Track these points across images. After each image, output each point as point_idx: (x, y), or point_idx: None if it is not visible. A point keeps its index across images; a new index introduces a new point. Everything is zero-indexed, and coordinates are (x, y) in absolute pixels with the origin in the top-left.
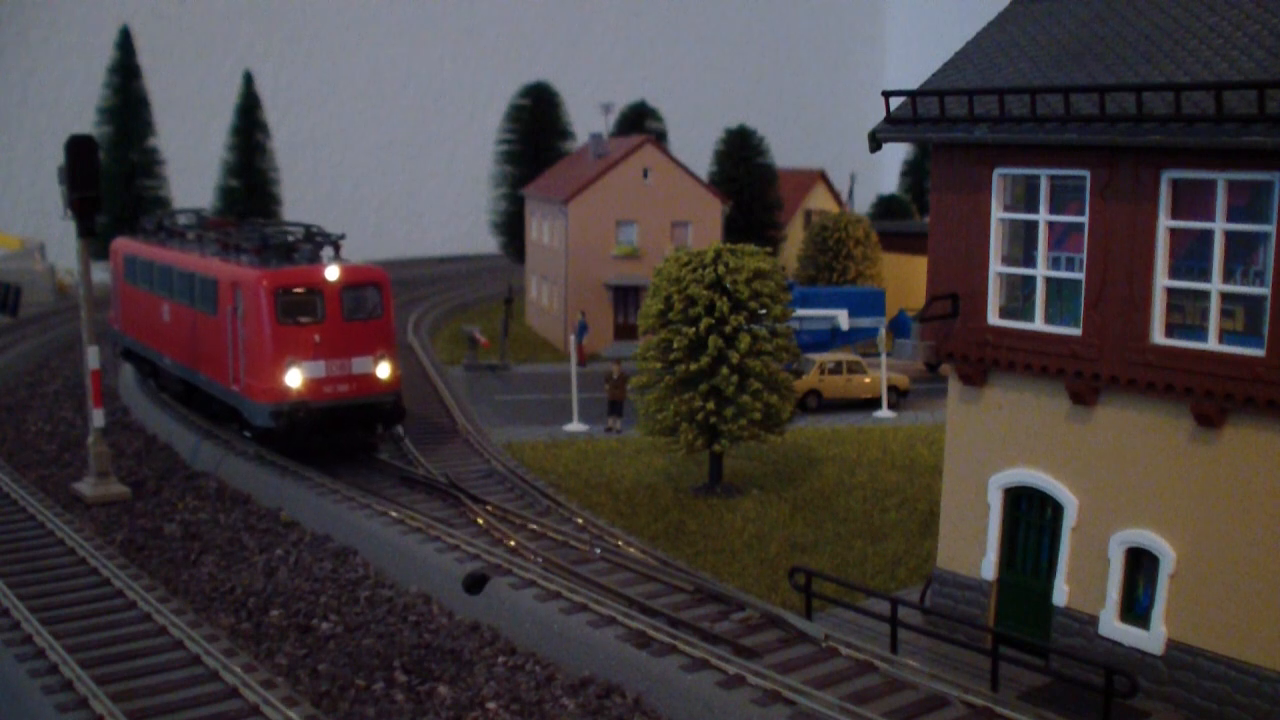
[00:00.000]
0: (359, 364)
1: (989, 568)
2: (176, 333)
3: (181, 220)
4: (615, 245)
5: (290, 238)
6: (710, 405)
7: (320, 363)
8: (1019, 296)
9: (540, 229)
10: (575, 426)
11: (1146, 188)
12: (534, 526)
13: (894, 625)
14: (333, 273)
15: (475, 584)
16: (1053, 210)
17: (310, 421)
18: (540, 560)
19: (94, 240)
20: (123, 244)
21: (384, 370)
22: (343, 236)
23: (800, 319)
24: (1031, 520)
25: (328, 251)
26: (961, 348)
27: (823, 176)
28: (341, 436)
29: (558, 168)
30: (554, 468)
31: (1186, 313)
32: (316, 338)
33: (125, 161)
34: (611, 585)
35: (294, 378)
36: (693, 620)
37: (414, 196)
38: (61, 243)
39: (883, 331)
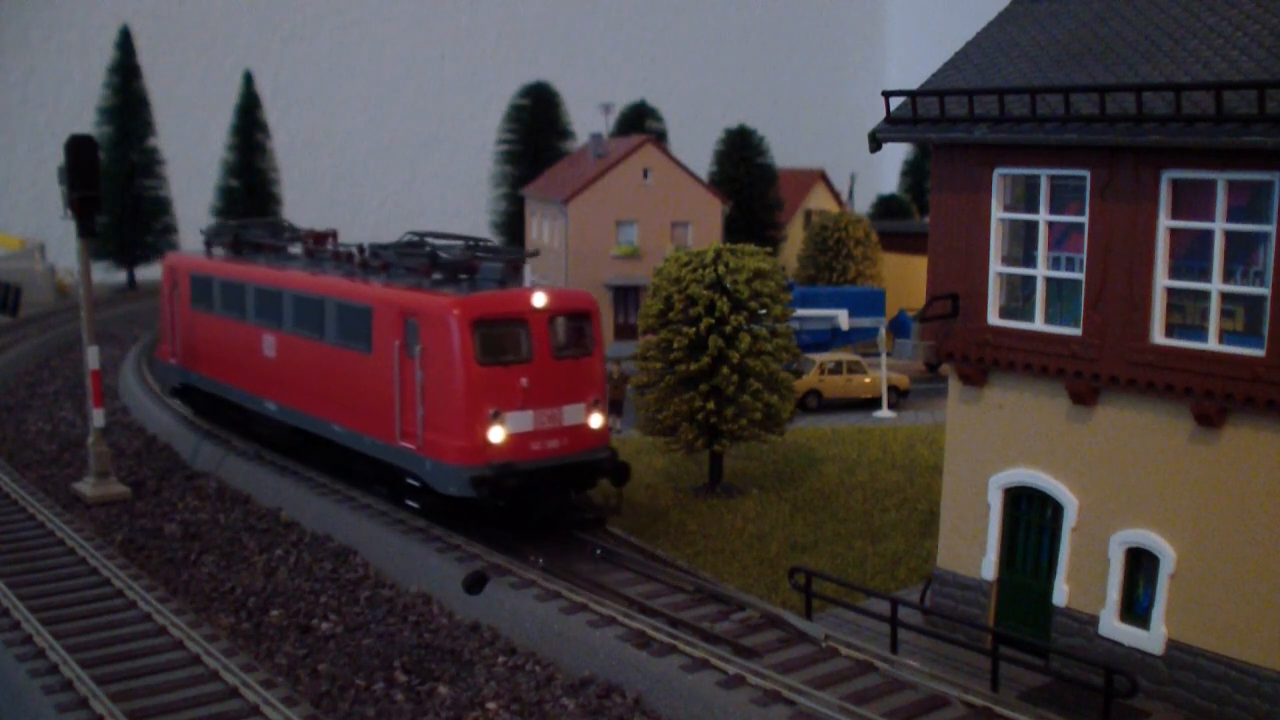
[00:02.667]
0: (570, 413)
1: (989, 568)
2: (287, 372)
3: (253, 233)
4: (615, 245)
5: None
6: (710, 405)
7: (528, 413)
8: (1019, 296)
9: (540, 229)
10: None
11: (1146, 188)
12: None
13: (894, 625)
14: (540, 299)
15: (475, 584)
16: (1053, 210)
17: (519, 488)
18: (540, 563)
19: (93, 240)
20: (182, 261)
21: (597, 420)
22: (535, 254)
23: (800, 319)
24: (1031, 520)
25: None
26: (961, 348)
27: (823, 176)
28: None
29: (558, 168)
30: None
31: (1186, 313)
32: (523, 381)
33: (125, 161)
34: (610, 585)
35: (497, 433)
36: (693, 620)
37: (414, 197)
38: (61, 243)
39: (883, 331)
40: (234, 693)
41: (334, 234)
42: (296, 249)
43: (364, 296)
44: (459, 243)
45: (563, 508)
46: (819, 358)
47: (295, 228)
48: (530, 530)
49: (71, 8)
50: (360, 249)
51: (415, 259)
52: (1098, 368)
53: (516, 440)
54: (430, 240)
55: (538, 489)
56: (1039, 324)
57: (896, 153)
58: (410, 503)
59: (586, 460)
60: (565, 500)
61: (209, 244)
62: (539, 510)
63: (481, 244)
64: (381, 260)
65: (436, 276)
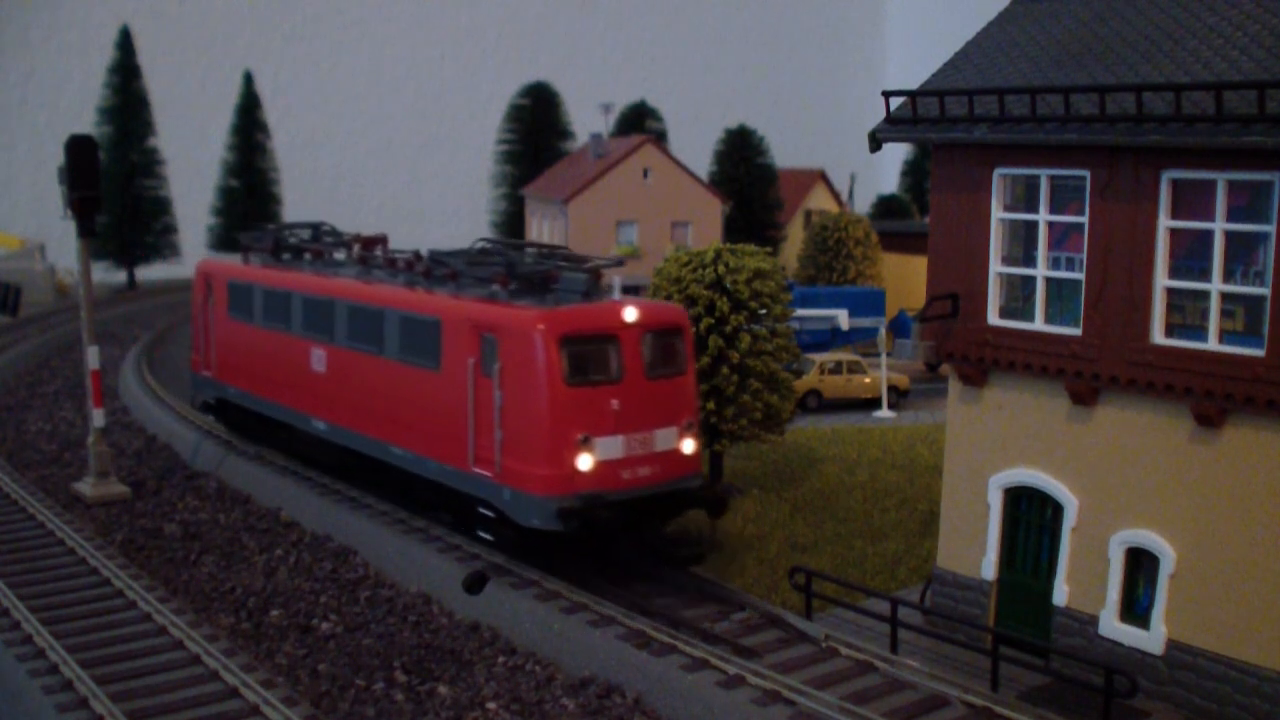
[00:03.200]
0: (662, 437)
1: (989, 568)
2: (339, 389)
3: (295, 237)
4: (615, 245)
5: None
6: (710, 405)
7: (618, 438)
8: (1019, 296)
9: (540, 229)
10: None
11: (1146, 188)
12: None
13: (894, 625)
14: (632, 313)
15: (475, 584)
16: (1053, 210)
17: (609, 521)
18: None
19: (94, 240)
20: (217, 267)
21: (690, 445)
22: (620, 262)
23: (800, 319)
24: (1031, 520)
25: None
26: (961, 348)
27: (823, 176)
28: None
29: (558, 168)
30: None
31: (1186, 313)
32: (614, 403)
33: (125, 161)
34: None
35: (585, 460)
36: (693, 620)
37: (414, 196)
38: (61, 243)
39: (883, 331)
40: (234, 693)
41: (384, 239)
42: (340, 255)
43: (432, 308)
44: (531, 250)
45: (654, 543)
46: (819, 358)
47: (338, 231)
48: (617, 568)
49: (71, 8)
50: (417, 255)
51: (489, 268)
52: (1098, 368)
53: (605, 468)
54: (504, 247)
55: (627, 521)
56: (1039, 324)
57: (896, 153)
58: (483, 534)
59: (680, 489)
60: (657, 534)
61: (246, 249)
62: (629, 545)
63: (559, 252)
64: (448, 269)
65: (513, 288)
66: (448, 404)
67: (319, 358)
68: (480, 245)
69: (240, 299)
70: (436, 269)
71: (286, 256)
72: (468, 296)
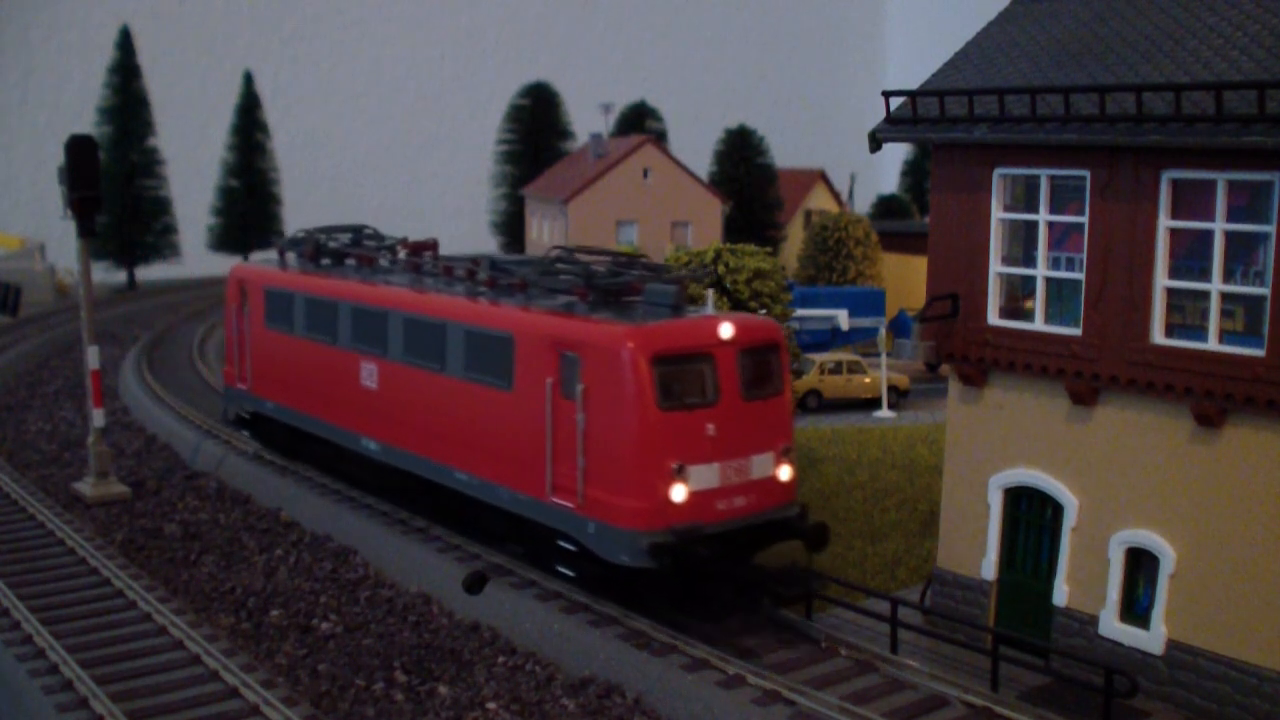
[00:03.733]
0: (759, 464)
1: (989, 568)
2: (393, 407)
3: (334, 240)
4: (615, 245)
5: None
6: None
7: (714, 466)
8: (1019, 296)
9: (540, 229)
10: None
11: (1146, 188)
12: None
13: (894, 625)
14: (727, 329)
15: (475, 584)
16: (1053, 210)
17: (705, 556)
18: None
19: (94, 240)
20: (253, 273)
21: (786, 472)
22: (710, 274)
23: (800, 319)
24: (1031, 520)
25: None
26: (961, 348)
27: (823, 176)
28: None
29: (558, 168)
30: None
31: (1186, 313)
32: (710, 428)
33: (125, 161)
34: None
35: (679, 491)
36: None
37: (414, 196)
38: (61, 243)
39: (883, 331)
40: (234, 693)
41: (434, 245)
42: (384, 261)
43: (503, 322)
44: (603, 259)
45: (755, 580)
46: (819, 358)
47: (380, 235)
48: (706, 604)
49: (71, 8)
50: (476, 262)
51: (565, 278)
52: (1098, 368)
53: (700, 499)
54: (580, 255)
55: (723, 556)
56: (1039, 324)
57: (896, 153)
58: (563, 570)
59: (777, 520)
60: (757, 570)
61: (283, 253)
62: (725, 583)
63: (639, 261)
64: (518, 278)
65: (592, 300)
66: (521, 427)
67: (370, 372)
68: (556, 253)
69: (279, 307)
70: (502, 278)
71: (326, 262)
72: (541, 309)
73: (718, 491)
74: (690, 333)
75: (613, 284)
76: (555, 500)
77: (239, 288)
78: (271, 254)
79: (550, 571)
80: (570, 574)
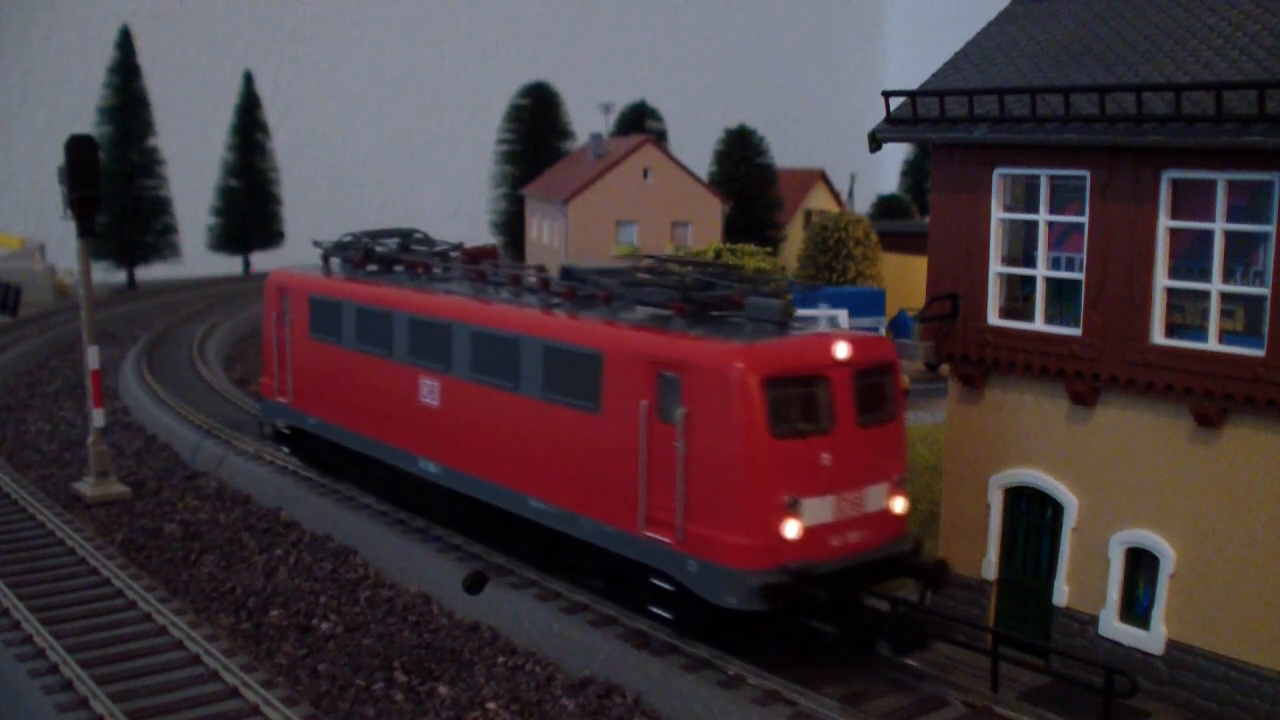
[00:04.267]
0: (873, 496)
1: (989, 568)
2: (457, 427)
3: (381, 244)
4: (615, 245)
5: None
6: None
7: (828, 499)
8: (1019, 296)
9: (540, 229)
10: None
11: (1146, 188)
12: None
13: (895, 625)
14: (843, 349)
15: (475, 584)
16: (1053, 210)
17: (819, 597)
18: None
19: (94, 240)
20: (295, 280)
21: (900, 504)
22: (816, 287)
23: (800, 319)
24: (1031, 520)
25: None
26: (961, 348)
27: (823, 176)
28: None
29: (558, 168)
30: None
31: (1186, 313)
32: (825, 457)
33: (125, 161)
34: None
35: (792, 526)
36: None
37: (414, 197)
38: (61, 243)
39: (882, 331)
40: (234, 693)
41: (495, 251)
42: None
43: (590, 338)
44: (691, 269)
45: (873, 624)
46: None
47: (431, 239)
48: (815, 649)
49: (71, 8)
50: (542, 269)
51: (658, 290)
52: (1098, 368)
53: (813, 534)
54: (671, 266)
55: (837, 597)
56: (1039, 324)
57: (896, 153)
58: (658, 611)
59: (892, 556)
60: (876, 614)
61: (327, 258)
62: (840, 627)
63: (733, 272)
64: (603, 290)
65: (697, 315)
66: (609, 453)
67: (430, 389)
68: (646, 261)
69: (325, 317)
70: (581, 288)
71: (372, 268)
72: (632, 324)
73: (832, 526)
74: (804, 352)
75: (714, 297)
76: (649, 534)
77: (279, 295)
78: (282, 256)
79: (640, 611)
80: (666, 615)
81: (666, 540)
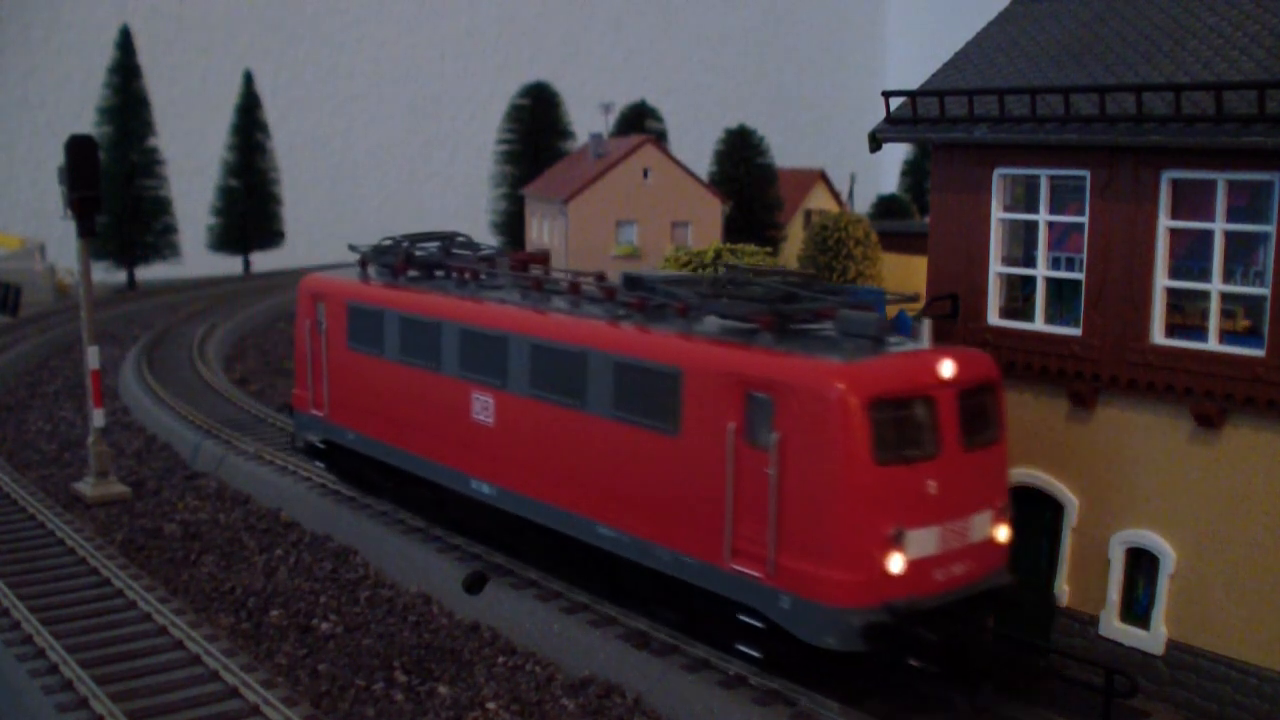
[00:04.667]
0: (978, 525)
1: None
2: (515, 446)
3: (421, 248)
4: (615, 245)
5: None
6: None
7: (933, 529)
8: (1019, 296)
9: (540, 229)
10: None
11: (1146, 188)
12: None
13: None
14: (949, 367)
15: (475, 584)
16: (1053, 210)
17: (923, 636)
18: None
19: (94, 240)
20: (331, 286)
21: (1004, 532)
22: (914, 297)
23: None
24: (1032, 520)
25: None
26: None
27: (823, 176)
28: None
29: (558, 168)
30: None
31: (1186, 313)
32: (931, 484)
33: (125, 161)
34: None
35: (897, 560)
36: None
37: (414, 196)
38: (61, 243)
39: None
40: (234, 693)
41: (546, 257)
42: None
43: (668, 354)
44: (772, 279)
45: (980, 664)
46: None
47: (475, 243)
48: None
49: (71, 8)
50: (602, 277)
51: (743, 303)
52: (1098, 368)
53: (918, 568)
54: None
55: (942, 635)
56: (1039, 324)
57: (896, 153)
58: (745, 649)
59: (995, 589)
60: (982, 652)
61: (365, 264)
62: (943, 668)
63: (818, 283)
64: (678, 301)
65: (784, 329)
66: (690, 478)
67: (484, 405)
68: (725, 271)
69: (365, 326)
70: (652, 298)
71: (413, 274)
72: (714, 339)
73: (936, 559)
74: (908, 372)
75: (806, 310)
76: (736, 567)
77: (313, 302)
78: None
79: (724, 648)
80: (756, 654)
81: (756, 574)
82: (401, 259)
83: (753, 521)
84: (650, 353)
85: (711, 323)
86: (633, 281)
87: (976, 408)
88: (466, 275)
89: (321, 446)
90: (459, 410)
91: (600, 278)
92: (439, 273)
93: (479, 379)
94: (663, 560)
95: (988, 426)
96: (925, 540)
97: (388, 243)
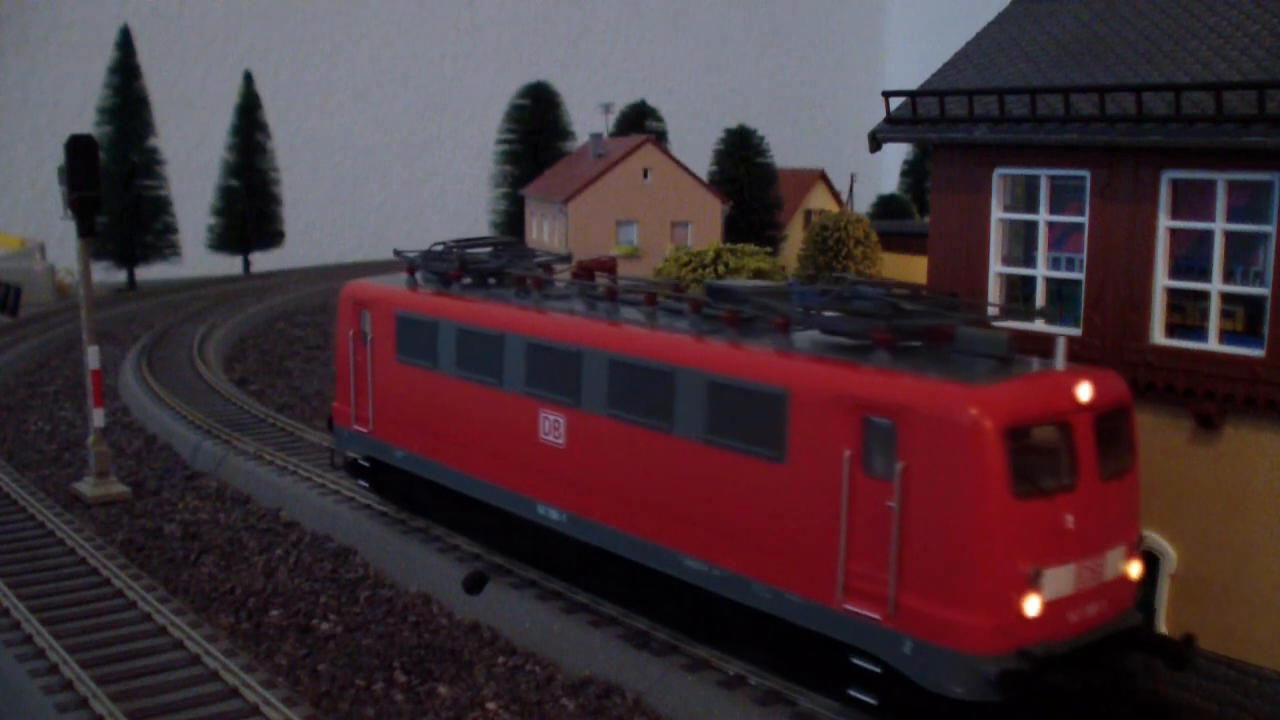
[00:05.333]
0: (1111, 561)
1: None
2: (589, 469)
3: (483, 257)
4: (615, 245)
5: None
6: None
7: (1069, 568)
8: (1019, 297)
9: (540, 229)
10: None
11: (1146, 188)
12: None
13: None
14: (1086, 390)
15: (475, 584)
16: (1053, 210)
17: (1069, 688)
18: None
19: (94, 240)
20: (378, 294)
21: (1136, 568)
22: (1043, 312)
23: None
24: None
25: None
26: None
27: (823, 176)
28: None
29: (558, 168)
30: None
31: (1186, 313)
32: (1069, 519)
33: (125, 161)
34: None
35: (1033, 602)
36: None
37: (414, 196)
38: (61, 243)
39: None
40: (234, 693)
41: (613, 263)
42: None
43: (772, 373)
44: (876, 291)
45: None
46: None
47: (532, 251)
48: None
49: (71, 8)
50: (679, 288)
51: (854, 319)
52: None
53: (1053, 610)
54: (860, 286)
55: (1077, 681)
56: (1039, 324)
57: (896, 153)
58: (859, 695)
59: (1127, 629)
60: (1124, 701)
61: (413, 270)
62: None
63: (918, 291)
64: (779, 315)
65: (898, 347)
66: (796, 510)
67: (554, 424)
68: (835, 284)
69: (417, 337)
70: (744, 310)
71: (466, 282)
72: (821, 357)
73: (1070, 599)
74: (1046, 395)
75: (929, 326)
76: (849, 607)
77: (357, 310)
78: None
79: (834, 694)
80: (871, 701)
81: (874, 615)
82: (456, 266)
83: (870, 558)
84: (750, 371)
85: (811, 338)
86: (720, 292)
87: (1112, 433)
88: (529, 283)
89: (365, 464)
90: (524, 429)
91: (677, 288)
92: (491, 280)
93: (548, 396)
94: (761, 598)
95: (1123, 454)
96: (1062, 580)
97: (439, 248)
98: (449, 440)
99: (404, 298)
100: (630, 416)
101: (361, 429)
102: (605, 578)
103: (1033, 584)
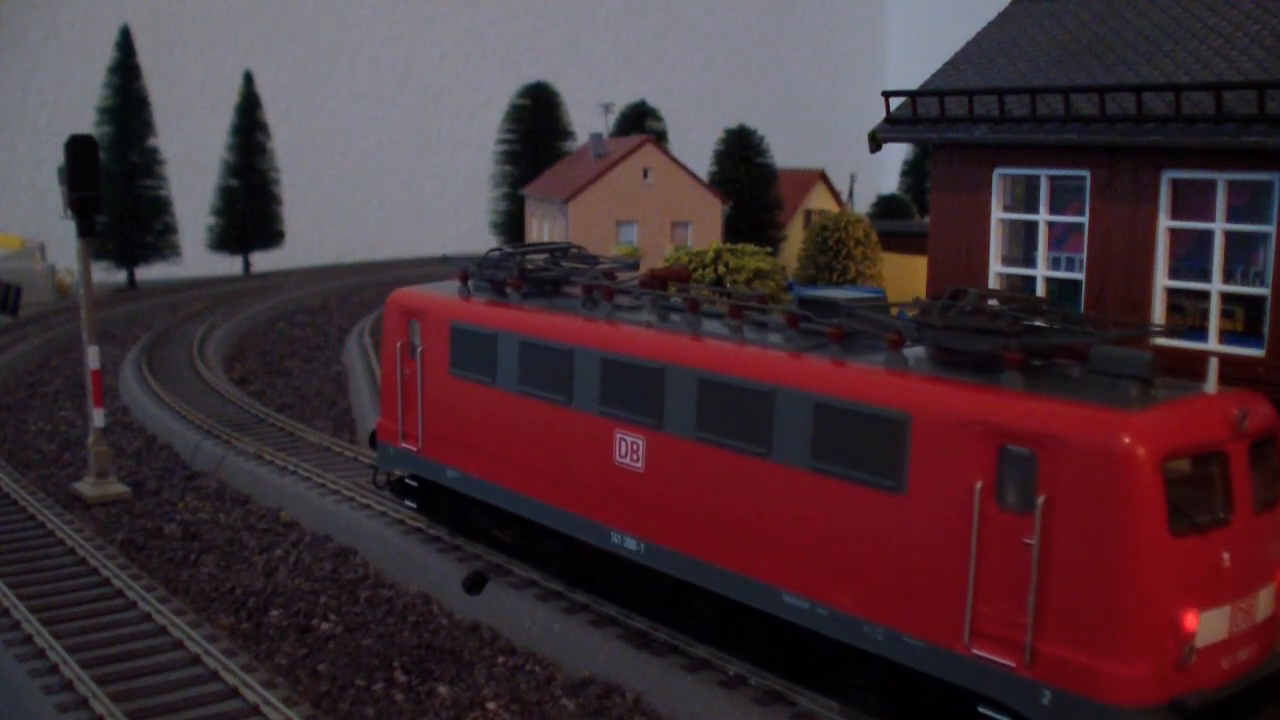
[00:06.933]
0: (1263, 601)
1: None
2: (671, 495)
3: (530, 262)
4: (615, 245)
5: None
6: None
7: (1224, 609)
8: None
9: (540, 229)
10: None
11: (1146, 188)
12: None
13: None
14: (1241, 415)
15: (475, 584)
16: (1053, 210)
17: None
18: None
19: (94, 240)
20: (429, 303)
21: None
22: (1171, 331)
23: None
24: None
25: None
26: None
27: (823, 176)
28: None
29: (558, 168)
30: None
31: (1186, 313)
32: (1225, 557)
33: (125, 161)
34: None
35: (1189, 648)
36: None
37: (414, 196)
38: (61, 243)
39: None
40: (234, 693)
41: (686, 273)
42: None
43: (890, 397)
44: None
45: None
46: None
47: (591, 256)
48: None
49: (71, 8)
50: (764, 300)
51: (975, 336)
52: None
53: (1207, 656)
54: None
55: None
56: (1039, 324)
57: (896, 153)
58: None
59: (1273, 675)
60: None
61: (467, 278)
62: None
63: (1037, 303)
64: (890, 331)
65: (1028, 369)
66: (917, 544)
67: (632, 447)
68: (956, 298)
69: (473, 349)
70: (848, 324)
71: (525, 289)
72: (944, 378)
73: (1223, 646)
74: (1200, 421)
75: (1060, 346)
76: (977, 652)
77: (405, 320)
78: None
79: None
80: None
81: (1008, 663)
82: (515, 274)
83: (1003, 599)
84: (863, 393)
85: (923, 356)
86: (814, 304)
87: (1263, 461)
88: (597, 294)
89: (412, 484)
90: (598, 452)
91: (763, 300)
92: (548, 288)
93: (625, 416)
94: (875, 640)
95: (1273, 483)
96: (1218, 623)
97: (496, 254)
98: (509, 461)
99: (458, 307)
100: (721, 440)
101: (409, 447)
102: (688, 612)
103: (1189, 629)
